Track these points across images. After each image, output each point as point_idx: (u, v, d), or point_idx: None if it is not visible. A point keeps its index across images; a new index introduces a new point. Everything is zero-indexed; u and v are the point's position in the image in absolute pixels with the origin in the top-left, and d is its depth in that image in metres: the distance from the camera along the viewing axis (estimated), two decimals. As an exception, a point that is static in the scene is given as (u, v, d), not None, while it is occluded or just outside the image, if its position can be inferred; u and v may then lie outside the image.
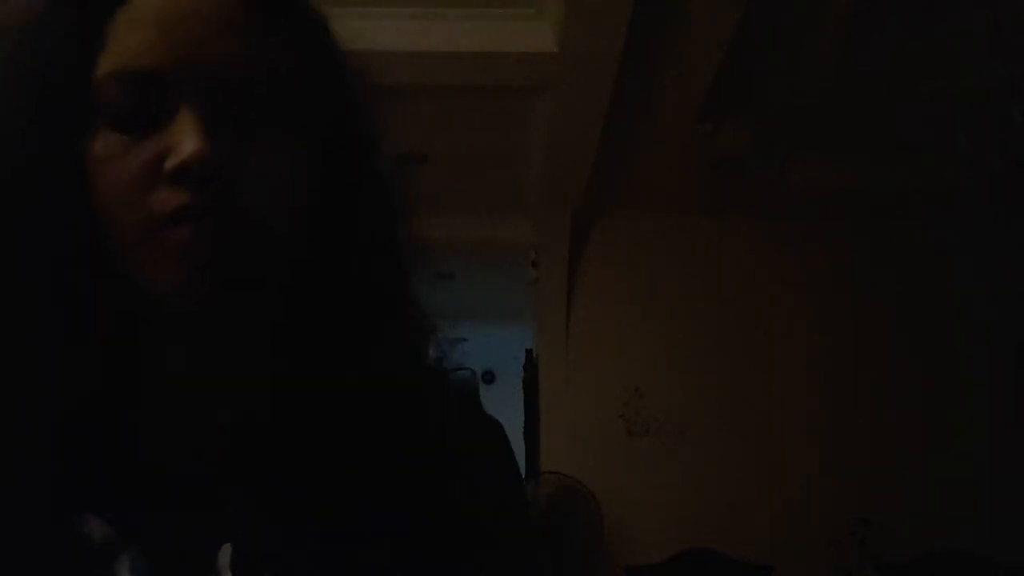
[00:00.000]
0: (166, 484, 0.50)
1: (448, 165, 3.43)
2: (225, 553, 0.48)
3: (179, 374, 0.53)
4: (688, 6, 2.69)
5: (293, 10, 0.55)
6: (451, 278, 4.38)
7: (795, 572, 3.66)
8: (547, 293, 4.16)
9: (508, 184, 3.96)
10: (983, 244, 3.99)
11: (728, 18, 2.70)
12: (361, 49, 0.59)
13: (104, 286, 0.49)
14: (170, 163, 0.47)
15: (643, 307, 4.12)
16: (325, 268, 0.53)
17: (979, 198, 3.73)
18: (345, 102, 0.56)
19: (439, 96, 3.09)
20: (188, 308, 0.49)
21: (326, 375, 0.52)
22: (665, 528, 3.80)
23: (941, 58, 3.00)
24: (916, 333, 4.06)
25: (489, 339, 5.75)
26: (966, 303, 4.03)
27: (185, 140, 0.47)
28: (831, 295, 4.12)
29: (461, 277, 3.94)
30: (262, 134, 0.50)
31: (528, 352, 4.39)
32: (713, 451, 3.96)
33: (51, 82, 0.50)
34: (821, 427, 3.97)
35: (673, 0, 2.67)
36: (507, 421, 0.65)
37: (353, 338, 0.53)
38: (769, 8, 2.73)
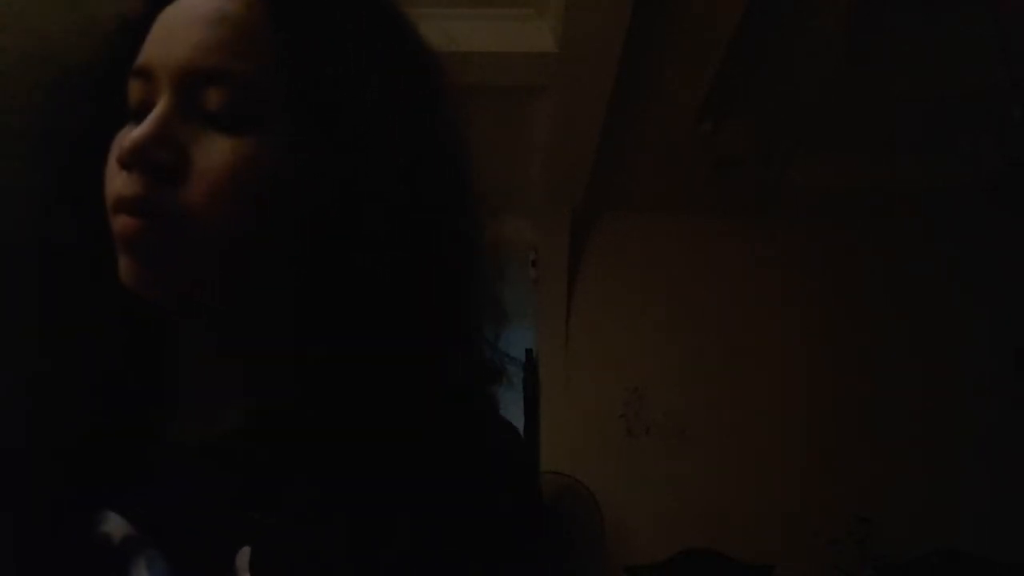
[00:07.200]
0: (187, 485, 0.51)
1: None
2: (244, 555, 0.48)
3: (189, 365, 0.53)
4: (689, 6, 2.68)
5: (312, 4, 0.54)
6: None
7: (795, 572, 3.65)
8: (547, 293, 4.15)
9: (508, 184, 3.96)
10: (982, 245, 3.98)
11: (728, 17, 2.70)
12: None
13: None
14: (116, 151, 0.48)
15: (643, 307, 4.12)
16: (330, 266, 0.52)
17: (979, 198, 3.73)
18: (366, 96, 0.54)
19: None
20: (146, 298, 0.49)
21: (345, 377, 0.51)
22: (665, 528, 3.79)
23: (941, 58, 3.00)
24: (915, 333, 4.05)
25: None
26: (965, 303, 4.02)
27: (137, 129, 0.48)
28: (831, 295, 4.11)
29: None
30: (240, 127, 0.49)
31: (528, 352, 4.38)
32: (713, 451, 3.95)
33: (99, 81, 0.54)
34: (821, 427, 3.96)
35: (673, 1, 2.67)
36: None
37: (366, 337, 0.51)
38: (769, 8, 2.72)
